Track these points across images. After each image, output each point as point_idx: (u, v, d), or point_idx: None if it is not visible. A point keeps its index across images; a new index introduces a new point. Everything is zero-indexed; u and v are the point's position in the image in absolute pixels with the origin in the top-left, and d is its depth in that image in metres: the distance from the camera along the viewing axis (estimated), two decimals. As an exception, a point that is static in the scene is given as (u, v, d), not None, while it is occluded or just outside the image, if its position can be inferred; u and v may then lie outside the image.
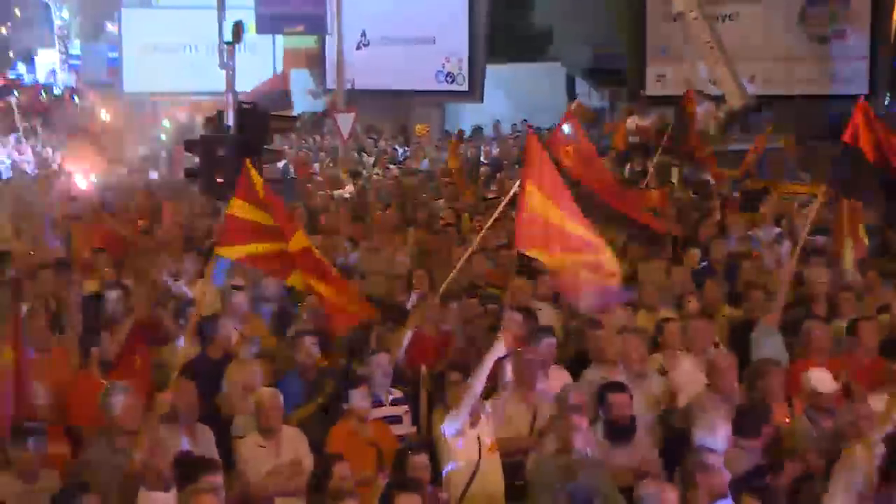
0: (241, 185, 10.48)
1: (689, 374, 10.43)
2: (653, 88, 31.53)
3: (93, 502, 7.51)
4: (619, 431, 9.17)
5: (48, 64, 79.63)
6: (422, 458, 8.37)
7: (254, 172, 10.45)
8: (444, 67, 38.64)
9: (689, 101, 19.95)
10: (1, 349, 8.97)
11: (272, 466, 8.97)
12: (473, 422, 9.13)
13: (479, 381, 9.13)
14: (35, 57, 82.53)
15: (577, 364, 10.96)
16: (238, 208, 10.37)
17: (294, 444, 9.20)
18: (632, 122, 26.31)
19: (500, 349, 9.31)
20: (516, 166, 25.87)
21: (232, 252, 10.57)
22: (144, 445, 8.27)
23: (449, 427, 9.10)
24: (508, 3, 40.00)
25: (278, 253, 10.33)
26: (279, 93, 34.93)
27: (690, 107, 19.98)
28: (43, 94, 64.58)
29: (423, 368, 10.63)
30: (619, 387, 9.44)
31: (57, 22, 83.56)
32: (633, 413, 9.30)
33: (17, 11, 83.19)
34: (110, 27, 59.53)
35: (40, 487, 8.20)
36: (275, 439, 9.18)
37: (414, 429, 10.06)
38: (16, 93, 44.95)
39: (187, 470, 7.92)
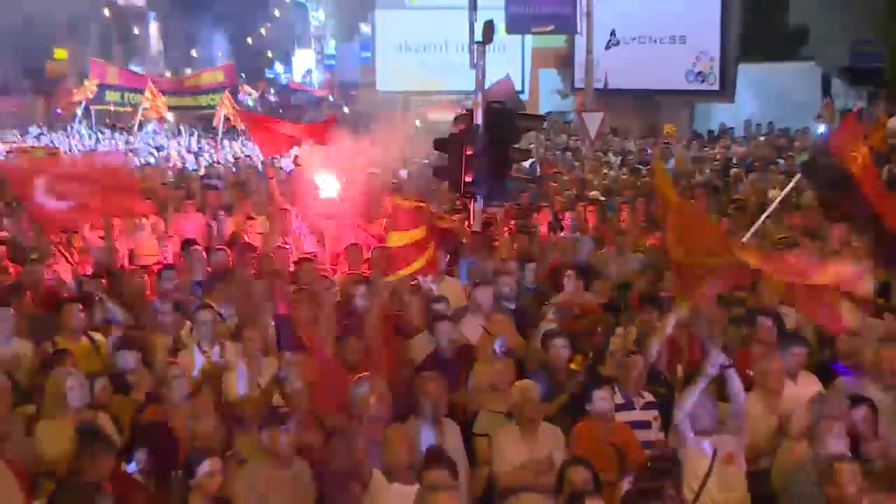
0: None
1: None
2: (914, 88, 30.28)
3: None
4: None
5: (304, 64, 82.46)
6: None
7: None
8: (694, 66, 38.05)
9: None
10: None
11: (525, 460, 9.00)
12: (708, 429, 8.96)
13: (696, 387, 8.95)
14: (292, 57, 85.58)
15: (826, 370, 10.62)
16: None
17: (550, 442, 9.19)
18: (893, 122, 25.31)
19: (717, 357, 9.08)
20: (771, 167, 25.25)
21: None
22: (391, 438, 8.41)
23: (682, 431, 8.98)
24: (763, 0, 39.12)
25: None
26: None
27: None
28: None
29: (680, 371, 10.47)
30: (862, 400, 9.11)
31: (313, 23, 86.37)
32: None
33: (276, 12, 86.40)
34: (364, 28, 61.07)
35: (292, 475, 8.45)
36: (531, 433, 9.20)
37: (661, 435, 9.88)
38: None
39: (426, 465, 8.02)
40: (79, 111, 38.42)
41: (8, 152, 31.73)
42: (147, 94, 35.71)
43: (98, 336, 11.40)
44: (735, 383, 9.25)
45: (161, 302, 12.34)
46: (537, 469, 8.82)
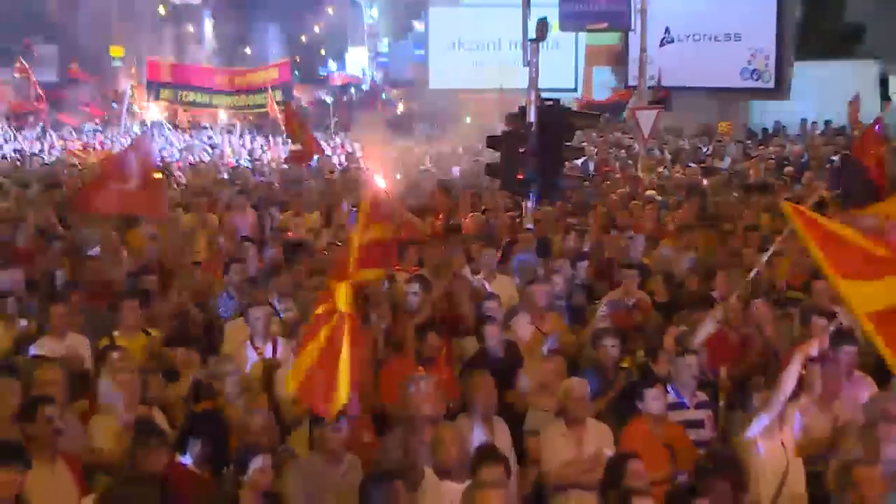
0: None
1: None
2: (974, 86, 29.84)
3: (398, 487, 7.63)
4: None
5: (358, 61, 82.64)
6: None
7: None
8: (749, 64, 37.83)
9: None
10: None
11: (572, 457, 8.99)
12: (780, 426, 8.88)
13: (788, 385, 8.86)
14: (346, 55, 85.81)
15: (882, 371, 10.47)
16: None
17: (598, 439, 9.17)
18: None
19: (810, 352, 9.00)
20: (827, 166, 24.97)
21: None
22: (443, 436, 8.41)
23: (755, 430, 8.88)
24: (819, -3, 38.85)
25: None
26: None
27: None
28: (352, 90, 67.10)
29: (723, 371, 10.40)
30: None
31: (367, 21, 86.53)
32: None
33: (330, 10, 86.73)
34: (417, 26, 61.10)
35: (344, 471, 8.47)
36: (579, 430, 9.18)
37: (714, 434, 9.84)
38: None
39: (475, 462, 7.99)
40: (136, 108, 38.83)
41: (63, 149, 32.08)
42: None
43: (154, 331, 11.48)
44: (813, 379, 9.23)
45: (239, 292, 12.67)
46: (585, 467, 8.81)
